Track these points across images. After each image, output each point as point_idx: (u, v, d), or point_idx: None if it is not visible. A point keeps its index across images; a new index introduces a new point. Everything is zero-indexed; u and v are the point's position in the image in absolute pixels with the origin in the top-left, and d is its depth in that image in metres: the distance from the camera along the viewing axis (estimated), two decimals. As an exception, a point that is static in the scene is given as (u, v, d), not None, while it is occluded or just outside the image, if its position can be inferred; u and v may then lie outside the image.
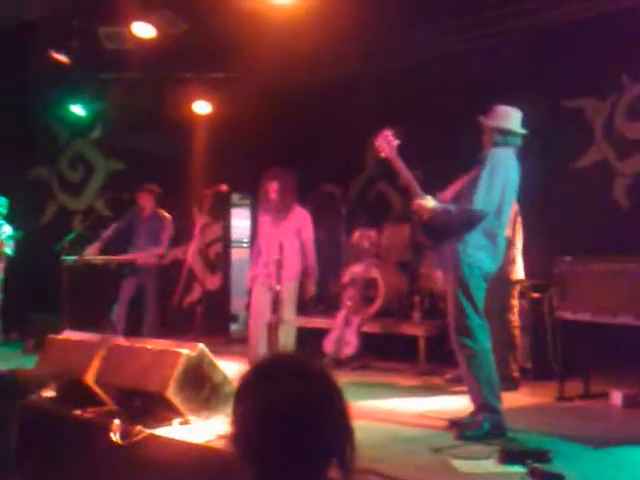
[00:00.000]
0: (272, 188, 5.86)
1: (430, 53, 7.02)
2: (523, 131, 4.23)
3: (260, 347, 5.76)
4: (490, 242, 4.09)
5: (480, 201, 3.97)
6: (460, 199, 4.10)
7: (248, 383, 1.31)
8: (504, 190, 4.08)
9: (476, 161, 4.16)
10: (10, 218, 7.63)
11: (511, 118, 4.22)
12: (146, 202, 7.25)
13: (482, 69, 6.87)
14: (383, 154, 4.26)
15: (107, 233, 7.14)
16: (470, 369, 4.06)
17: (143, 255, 7.01)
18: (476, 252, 4.04)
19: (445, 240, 4.12)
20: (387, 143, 4.23)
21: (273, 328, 5.75)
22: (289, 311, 5.87)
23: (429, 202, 4.09)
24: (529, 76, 6.56)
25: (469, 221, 4.03)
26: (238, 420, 1.29)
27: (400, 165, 4.17)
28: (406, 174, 4.16)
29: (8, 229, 7.59)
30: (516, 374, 5.54)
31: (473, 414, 4.13)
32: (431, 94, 7.21)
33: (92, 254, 6.88)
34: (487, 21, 6.39)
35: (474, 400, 4.12)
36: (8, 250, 7.57)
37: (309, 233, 5.98)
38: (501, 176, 4.06)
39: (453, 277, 4.09)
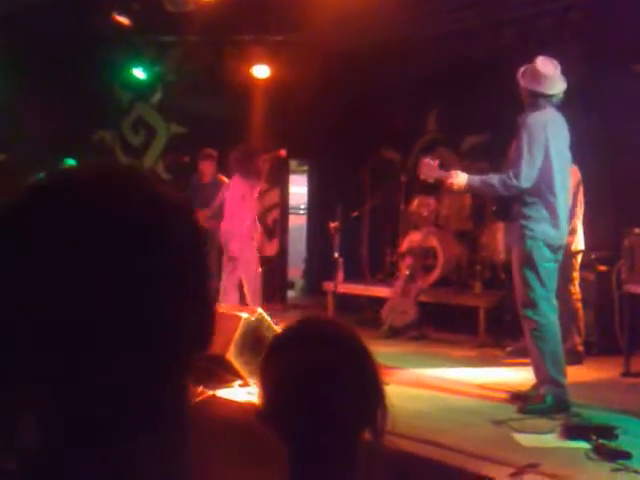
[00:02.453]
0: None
1: (493, 16, 6.78)
2: (555, 92, 4.01)
3: None
4: (549, 213, 3.99)
5: (522, 174, 3.87)
6: (503, 169, 4.03)
7: (279, 347, 1.28)
8: (548, 157, 3.94)
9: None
10: None
11: (544, 78, 4.01)
12: (207, 168, 7.30)
13: (548, 32, 6.61)
14: (430, 180, 4.43)
15: None
16: (534, 342, 3.97)
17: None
18: (538, 225, 3.96)
19: (509, 214, 4.04)
20: (429, 169, 4.33)
21: None
22: None
23: (460, 178, 4.05)
24: (596, 40, 6.27)
25: (513, 193, 3.96)
26: (267, 386, 1.25)
27: (444, 173, 4.31)
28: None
29: None
30: (580, 348, 5.40)
31: (536, 387, 4.05)
32: (494, 57, 6.96)
33: None
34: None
35: (537, 373, 4.04)
36: None
37: None
38: (540, 144, 3.92)
39: (518, 250, 4.00)
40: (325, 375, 1.20)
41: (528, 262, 3.95)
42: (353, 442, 1.22)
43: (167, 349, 0.70)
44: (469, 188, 4.14)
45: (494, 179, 4.00)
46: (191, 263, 0.73)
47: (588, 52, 6.26)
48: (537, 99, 4.01)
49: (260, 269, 6.59)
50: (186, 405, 0.78)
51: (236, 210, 6.32)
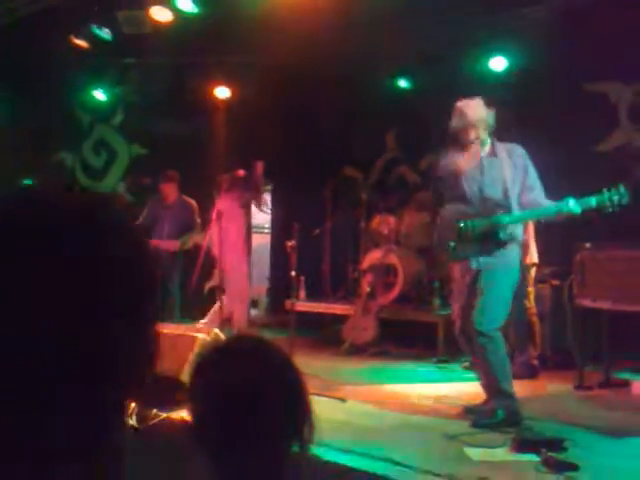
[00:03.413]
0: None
1: (452, 39, 6.91)
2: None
3: None
4: None
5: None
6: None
7: (203, 365, 1.30)
8: None
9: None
10: None
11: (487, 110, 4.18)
12: (169, 190, 7.30)
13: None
14: None
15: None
16: (487, 355, 4.04)
17: (166, 241, 7.05)
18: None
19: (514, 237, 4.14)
20: None
21: None
22: None
23: None
24: (552, 60, 6.44)
25: None
26: (194, 403, 1.26)
27: None
28: None
29: None
30: (535, 361, 5.49)
31: (487, 401, 4.11)
32: (449, 83, 7.10)
33: None
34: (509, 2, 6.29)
35: (487, 386, 4.10)
36: None
37: None
38: None
39: (510, 271, 4.10)
40: (248, 391, 1.22)
41: (515, 282, 4.14)
42: (279, 457, 1.23)
43: (106, 376, 0.69)
44: None
45: None
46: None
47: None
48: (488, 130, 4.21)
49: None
50: (122, 429, 0.77)
51: (231, 225, 6.40)
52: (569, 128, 6.14)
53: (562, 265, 5.54)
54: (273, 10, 6.15)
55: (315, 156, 8.05)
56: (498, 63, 6.87)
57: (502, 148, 4.13)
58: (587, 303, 4.87)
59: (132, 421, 3.94)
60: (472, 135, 4.09)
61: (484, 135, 4.12)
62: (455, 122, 4.13)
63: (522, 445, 3.59)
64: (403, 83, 7.72)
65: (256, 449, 1.21)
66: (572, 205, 3.80)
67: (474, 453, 3.52)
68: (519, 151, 4.12)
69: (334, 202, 8.02)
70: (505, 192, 4.00)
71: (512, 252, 4.09)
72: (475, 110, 4.10)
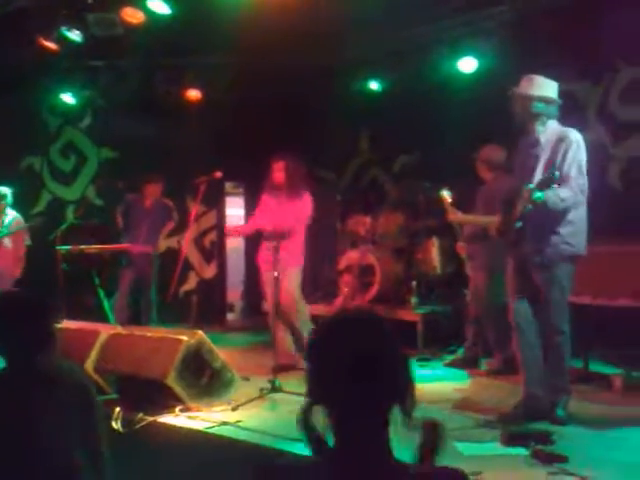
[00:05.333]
0: (278, 167, 5.79)
1: (421, 41, 6.95)
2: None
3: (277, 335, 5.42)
4: None
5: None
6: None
7: (327, 334, 1.44)
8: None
9: (529, 142, 4.12)
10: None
11: (550, 86, 4.12)
12: (154, 192, 7.26)
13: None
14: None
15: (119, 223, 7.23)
16: (562, 352, 4.07)
17: (138, 245, 6.98)
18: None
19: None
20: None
21: (279, 317, 5.54)
22: (291, 299, 5.66)
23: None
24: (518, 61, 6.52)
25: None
26: (317, 367, 1.41)
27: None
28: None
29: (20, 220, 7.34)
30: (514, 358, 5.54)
31: (560, 398, 4.10)
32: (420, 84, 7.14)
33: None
34: (476, 4, 6.35)
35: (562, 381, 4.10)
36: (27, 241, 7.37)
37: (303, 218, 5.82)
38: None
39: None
40: (371, 357, 1.37)
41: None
42: (386, 421, 1.38)
43: None
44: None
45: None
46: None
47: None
48: (548, 106, 4.10)
49: None
50: None
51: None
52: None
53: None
54: (243, 11, 6.12)
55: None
56: (468, 64, 6.91)
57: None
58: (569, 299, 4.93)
59: (117, 425, 3.88)
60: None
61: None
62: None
63: (511, 439, 3.63)
64: (374, 85, 7.74)
65: (372, 412, 1.37)
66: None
67: (464, 447, 3.54)
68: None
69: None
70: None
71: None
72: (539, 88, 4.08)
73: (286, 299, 5.57)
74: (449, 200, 5.44)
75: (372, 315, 1.46)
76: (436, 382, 5.28)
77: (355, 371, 1.34)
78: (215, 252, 9.02)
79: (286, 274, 5.52)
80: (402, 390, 1.39)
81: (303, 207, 5.78)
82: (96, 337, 4.53)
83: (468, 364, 5.74)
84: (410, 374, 1.41)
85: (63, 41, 6.62)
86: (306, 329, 5.62)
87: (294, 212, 5.74)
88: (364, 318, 1.46)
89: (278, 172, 5.78)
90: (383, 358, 1.37)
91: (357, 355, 1.36)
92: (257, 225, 5.90)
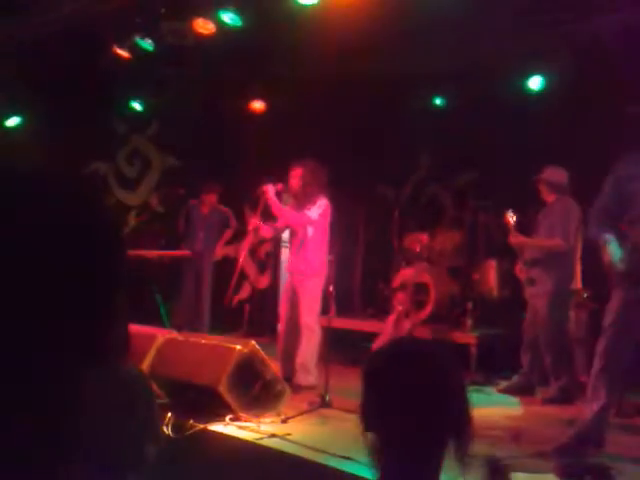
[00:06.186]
0: (295, 174, 5.52)
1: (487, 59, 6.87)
2: None
3: (283, 354, 5.34)
4: None
5: None
6: None
7: (383, 366, 1.43)
8: None
9: None
10: None
11: None
12: (211, 199, 7.53)
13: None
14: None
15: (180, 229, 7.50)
16: None
17: (196, 251, 7.10)
18: None
19: None
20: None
21: (290, 334, 5.38)
22: (306, 313, 5.36)
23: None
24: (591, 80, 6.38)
25: None
26: (374, 399, 1.40)
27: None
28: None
29: None
30: (571, 387, 5.38)
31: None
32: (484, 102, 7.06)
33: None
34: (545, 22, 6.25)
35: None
36: None
37: (316, 222, 5.45)
38: None
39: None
40: (431, 391, 1.37)
41: None
42: (442, 455, 1.38)
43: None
44: None
45: None
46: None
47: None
48: None
49: None
50: None
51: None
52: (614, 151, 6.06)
53: (600, 287, 5.44)
54: (312, 26, 6.18)
55: (348, 172, 8.03)
56: (535, 82, 6.82)
57: None
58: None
59: (168, 431, 3.91)
60: None
61: None
62: None
63: (568, 471, 3.51)
64: (438, 101, 7.70)
65: (427, 434, 1.36)
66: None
67: (520, 478, 3.44)
68: None
69: (367, 219, 8.00)
70: None
71: None
72: None
73: (301, 315, 5.34)
74: (513, 222, 5.34)
75: (433, 348, 1.45)
76: (488, 407, 5.16)
77: (414, 403, 1.33)
78: (270, 263, 9.07)
79: (304, 287, 5.32)
80: (459, 425, 1.37)
81: (312, 213, 5.42)
82: (153, 341, 4.60)
83: (523, 391, 5.59)
84: (469, 408, 1.39)
85: (135, 49, 6.81)
86: (309, 350, 5.32)
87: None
88: (424, 351, 1.44)
89: (294, 179, 5.55)
90: (445, 391, 1.36)
91: (417, 388, 1.34)
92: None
